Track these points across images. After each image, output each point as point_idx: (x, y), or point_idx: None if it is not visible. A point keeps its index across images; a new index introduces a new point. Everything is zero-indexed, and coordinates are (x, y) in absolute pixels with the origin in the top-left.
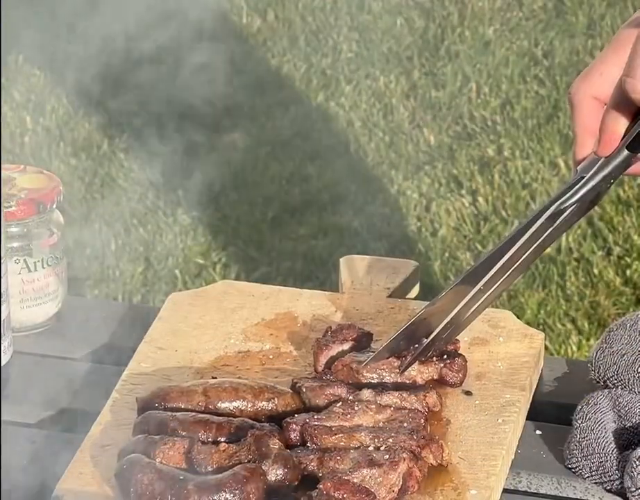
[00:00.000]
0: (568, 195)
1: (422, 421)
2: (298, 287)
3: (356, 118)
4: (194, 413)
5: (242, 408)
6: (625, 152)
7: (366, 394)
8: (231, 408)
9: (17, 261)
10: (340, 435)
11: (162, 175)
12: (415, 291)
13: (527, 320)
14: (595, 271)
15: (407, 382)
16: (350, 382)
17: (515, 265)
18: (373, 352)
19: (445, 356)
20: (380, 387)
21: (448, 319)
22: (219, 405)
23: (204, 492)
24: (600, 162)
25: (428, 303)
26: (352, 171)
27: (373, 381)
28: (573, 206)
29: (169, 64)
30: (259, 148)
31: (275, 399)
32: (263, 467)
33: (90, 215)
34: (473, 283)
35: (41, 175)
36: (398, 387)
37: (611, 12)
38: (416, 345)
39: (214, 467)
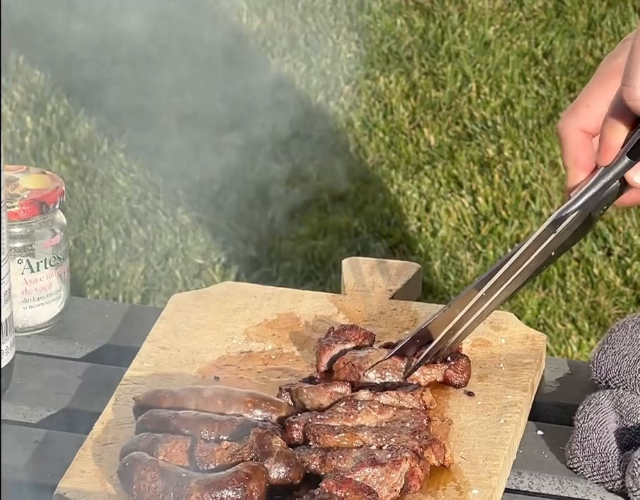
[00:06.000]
0: (570, 202)
1: (424, 421)
2: (298, 287)
3: (356, 118)
4: (196, 411)
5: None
6: (626, 159)
7: (363, 394)
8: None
9: (20, 261)
10: (342, 435)
11: (162, 175)
12: (417, 293)
13: (528, 320)
14: (596, 271)
15: (408, 382)
16: (352, 380)
17: (517, 271)
18: (373, 350)
19: (448, 358)
20: (376, 388)
21: (451, 325)
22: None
23: (206, 490)
24: (600, 171)
25: (440, 308)
26: (352, 171)
27: (374, 381)
28: (575, 213)
29: (169, 64)
30: (259, 148)
31: (273, 415)
32: (265, 465)
33: (90, 215)
34: (478, 290)
35: (44, 175)
36: (394, 386)
37: (611, 12)
38: (420, 351)
39: (217, 464)
